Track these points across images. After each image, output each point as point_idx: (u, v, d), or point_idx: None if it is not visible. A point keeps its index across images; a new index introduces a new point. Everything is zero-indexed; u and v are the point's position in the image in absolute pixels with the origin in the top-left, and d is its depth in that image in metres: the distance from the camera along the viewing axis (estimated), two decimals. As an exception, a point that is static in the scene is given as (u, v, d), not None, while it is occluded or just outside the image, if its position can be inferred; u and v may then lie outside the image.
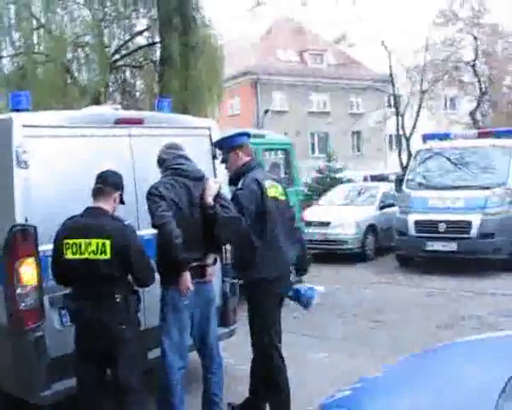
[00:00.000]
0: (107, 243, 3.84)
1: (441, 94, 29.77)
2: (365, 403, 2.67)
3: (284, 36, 39.51)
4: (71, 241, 3.88)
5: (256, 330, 4.57)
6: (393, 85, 27.02)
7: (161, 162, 4.48)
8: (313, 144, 38.96)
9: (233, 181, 4.76)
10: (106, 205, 4.03)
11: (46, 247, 4.20)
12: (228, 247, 5.28)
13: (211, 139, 5.63)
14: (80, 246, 3.87)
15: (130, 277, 4.03)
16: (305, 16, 42.31)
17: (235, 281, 5.54)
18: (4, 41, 21.16)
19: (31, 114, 4.50)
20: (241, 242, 4.55)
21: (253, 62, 36.71)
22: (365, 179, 20.25)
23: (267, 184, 4.56)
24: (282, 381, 4.52)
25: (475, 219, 10.48)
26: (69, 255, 3.88)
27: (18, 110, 4.47)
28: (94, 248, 3.86)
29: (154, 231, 4.29)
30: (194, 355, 4.82)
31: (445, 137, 12.32)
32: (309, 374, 5.64)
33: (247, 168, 4.65)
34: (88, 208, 4.04)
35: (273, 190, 4.60)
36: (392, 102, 28.04)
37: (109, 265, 3.86)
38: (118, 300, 3.92)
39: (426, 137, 12.68)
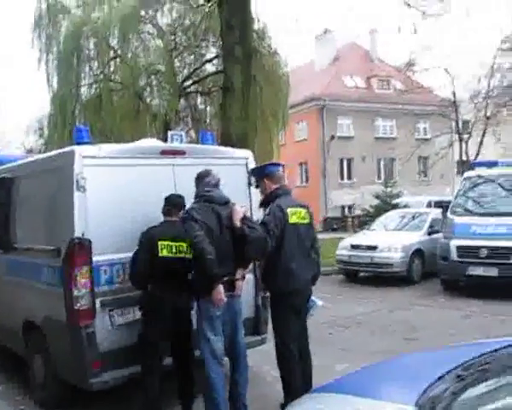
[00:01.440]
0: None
1: (508, 120, 29.42)
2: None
3: (351, 62, 40.14)
4: (165, 242, 4.99)
5: (275, 336, 5.28)
6: (457, 111, 27.03)
7: (196, 190, 5.20)
8: (379, 170, 39.06)
9: (263, 205, 5.48)
10: (176, 219, 5.15)
11: (98, 258, 5.09)
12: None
13: (247, 168, 6.37)
14: (171, 247, 4.99)
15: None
16: (371, 43, 42.36)
17: (267, 294, 6.19)
18: (84, 71, 22.83)
19: (89, 146, 5.35)
20: (265, 259, 5.28)
21: (320, 88, 37.36)
22: (429, 205, 20.26)
23: (289, 210, 5.26)
24: (295, 383, 5.13)
25: None
26: (164, 253, 4.98)
27: (79, 143, 5.36)
28: (184, 249, 5.02)
29: None
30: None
31: (492, 164, 12.55)
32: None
33: (274, 195, 5.36)
34: (166, 221, 5.16)
35: (295, 216, 5.29)
36: (456, 128, 27.95)
37: (190, 262, 4.98)
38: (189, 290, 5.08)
39: (474, 165, 12.97)
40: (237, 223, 4.95)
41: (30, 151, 38.85)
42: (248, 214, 5.24)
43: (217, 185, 5.19)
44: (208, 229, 4.84)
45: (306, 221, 5.43)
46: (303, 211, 5.43)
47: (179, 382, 5.26)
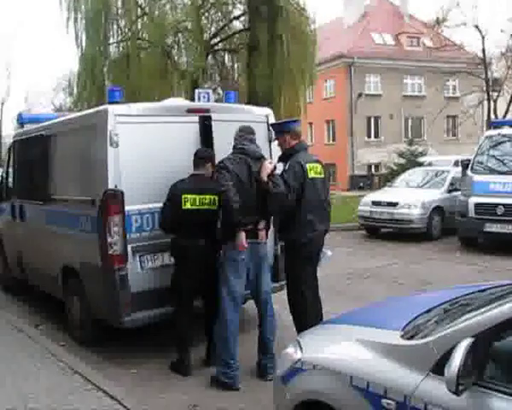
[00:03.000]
0: (217, 198, 5.36)
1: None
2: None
3: (380, 19, 39.61)
4: (189, 196, 5.40)
5: (287, 282, 5.74)
6: (486, 70, 26.77)
7: (234, 142, 5.54)
8: (407, 128, 38.86)
9: (282, 159, 5.85)
10: (204, 172, 5.57)
11: (130, 207, 5.58)
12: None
13: (268, 125, 6.73)
14: (195, 200, 5.40)
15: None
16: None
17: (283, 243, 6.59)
18: (112, 29, 23.10)
19: (122, 105, 5.79)
20: (284, 211, 5.66)
21: (348, 46, 37.06)
22: (456, 164, 20.36)
23: (308, 166, 5.62)
24: (307, 323, 5.53)
25: None
26: (188, 206, 5.39)
27: (112, 102, 5.80)
28: (208, 201, 5.43)
29: None
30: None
31: (513, 124, 12.70)
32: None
33: (293, 151, 5.72)
34: (193, 174, 5.56)
35: (312, 171, 5.65)
36: (485, 87, 27.68)
37: (216, 214, 5.41)
38: (216, 238, 5.47)
39: (494, 124, 13.10)
40: (264, 178, 5.26)
41: (59, 109, 39.63)
42: (276, 171, 5.50)
43: (252, 140, 5.50)
44: (238, 179, 5.18)
45: (322, 176, 5.80)
46: (319, 166, 5.79)
47: (207, 320, 5.73)
